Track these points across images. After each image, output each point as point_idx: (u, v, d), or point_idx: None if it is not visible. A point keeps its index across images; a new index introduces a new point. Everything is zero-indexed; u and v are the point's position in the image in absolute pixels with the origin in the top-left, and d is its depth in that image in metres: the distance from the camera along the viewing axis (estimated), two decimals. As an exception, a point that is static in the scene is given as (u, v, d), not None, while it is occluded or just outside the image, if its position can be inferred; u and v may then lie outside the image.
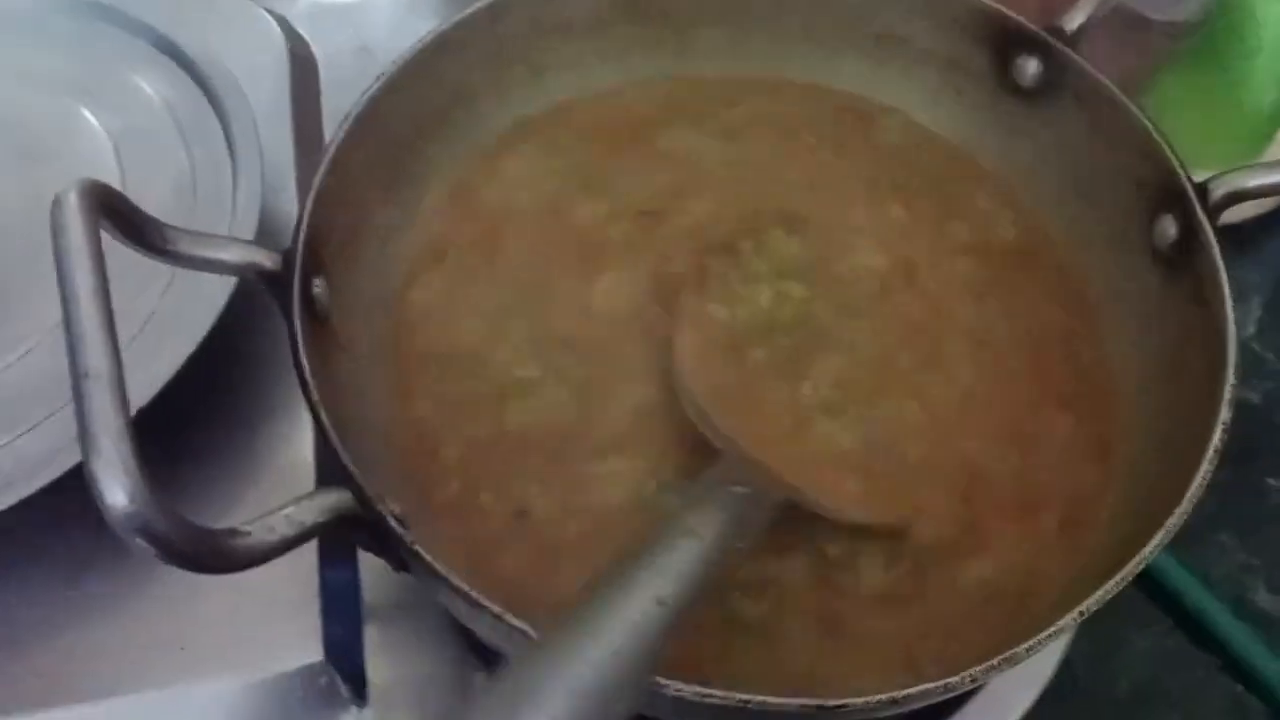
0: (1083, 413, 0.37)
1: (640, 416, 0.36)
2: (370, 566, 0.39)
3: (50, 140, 0.45)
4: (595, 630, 0.24)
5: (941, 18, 0.40)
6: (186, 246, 0.31)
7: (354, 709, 0.38)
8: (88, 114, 0.46)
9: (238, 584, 0.39)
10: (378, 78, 0.37)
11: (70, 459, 0.35)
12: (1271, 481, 0.54)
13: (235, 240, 0.32)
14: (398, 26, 0.53)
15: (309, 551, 0.39)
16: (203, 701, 0.37)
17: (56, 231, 0.27)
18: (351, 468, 0.29)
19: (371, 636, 0.39)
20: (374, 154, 0.38)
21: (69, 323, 0.25)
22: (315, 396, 0.30)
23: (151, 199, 0.44)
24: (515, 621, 0.27)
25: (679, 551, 0.27)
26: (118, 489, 0.23)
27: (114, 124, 0.45)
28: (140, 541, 0.24)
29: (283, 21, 0.52)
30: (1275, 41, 0.52)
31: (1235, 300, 0.60)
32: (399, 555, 0.29)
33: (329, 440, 0.29)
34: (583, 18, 0.42)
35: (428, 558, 0.28)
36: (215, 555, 0.25)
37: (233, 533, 0.26)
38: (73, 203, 0.27)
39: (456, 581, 0.27)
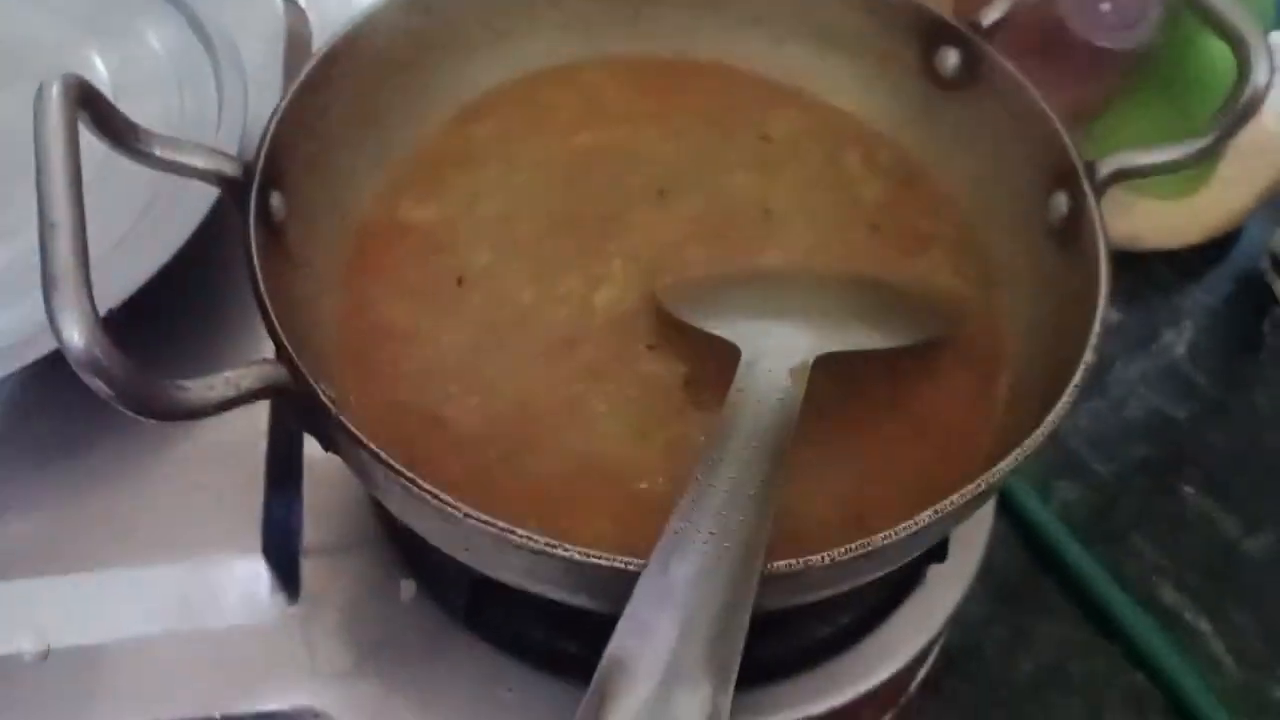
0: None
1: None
2: (312, 469, 0.43)
3: (53, 69, 0.48)
4: None
5: (876, 10, 0.44)
6: (157, 148, 0.34)
7: (285, 605, 0.40)
8: (93, 53, 0.49)
9: (190, 477, 0.42)
10: (349, 21, 0.41)
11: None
12: (1188, 490, 0.57)
13: (202, 147, 0.35)
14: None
15: (257, 452, 0.42)
16: (142, 584, 0.40)
17: (38, 115, 0.30)
18: (285, 343, 0.32)
19: (309, 539, 0.42)
20: (343, 89, 0.41)
21: (40, 186, 0.28)
22: (261, 288, 0.33)
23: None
24: (446, 499, 0.29)
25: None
26: (74, 328, 0.26)
27: (115, 66, 0.49)
28: (92, 378, 0.26)
29: (288, -1, 0.56)
30: (1215, 73, 0.55)
31: (1168, 323, 0.63)
32: (328, 432, 0.32)
33: (268, 320, 0.32)
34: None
35: (351, 429, 0.31)
36: (157, 401, 0.28)
37: (177, 385, 0.29)
38: (55, 92, 0.31)
39: (384, 456, 0.30)
